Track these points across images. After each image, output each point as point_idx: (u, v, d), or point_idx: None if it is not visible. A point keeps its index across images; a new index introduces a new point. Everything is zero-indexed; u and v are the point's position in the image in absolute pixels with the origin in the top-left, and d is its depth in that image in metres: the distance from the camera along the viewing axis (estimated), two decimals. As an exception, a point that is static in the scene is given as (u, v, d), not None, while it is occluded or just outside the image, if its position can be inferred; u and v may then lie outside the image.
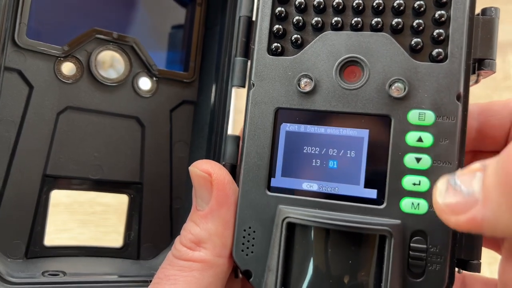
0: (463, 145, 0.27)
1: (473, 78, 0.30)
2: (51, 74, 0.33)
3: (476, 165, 0.23)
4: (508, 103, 0.33)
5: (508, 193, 0.21)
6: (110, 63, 0.35)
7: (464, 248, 0.28)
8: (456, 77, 0.27)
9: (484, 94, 0.33)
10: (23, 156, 0.32)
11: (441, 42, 0.28)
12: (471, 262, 0.28)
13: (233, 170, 0.32)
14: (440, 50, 0.27)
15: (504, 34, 0.29)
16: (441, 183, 0.24)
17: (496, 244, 0.32)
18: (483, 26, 0.28)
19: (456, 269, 0.28)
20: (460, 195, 0.23)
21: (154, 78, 0.37)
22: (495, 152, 0.34)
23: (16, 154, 0.32)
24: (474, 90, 0.28)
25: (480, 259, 0.28)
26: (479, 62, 0.29)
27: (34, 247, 0.33)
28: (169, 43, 0.38)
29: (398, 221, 0.27)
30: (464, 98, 0.27)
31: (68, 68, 0.34)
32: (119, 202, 0.36)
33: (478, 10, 0.29)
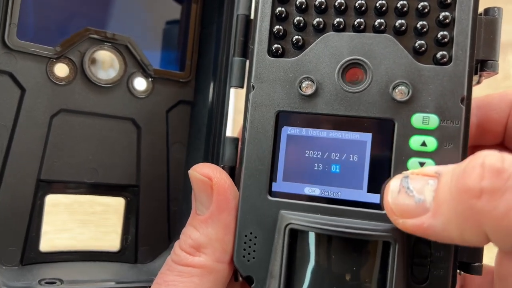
0: (466, 148, 0.27)
1: (475, 79, 0.29)
2: (43, 76, 0.32)
3: (430, 169, 0.24)
4: (505, 96, 0.33)
5: (459, 212, 0.21)
6: (104, 63, 0.34)
7: (466, 251, 0.28)
8: (461, 80, 0.27)
9: (485, 94, 0.33)
10: (16, 161, 0.31)
11: (445, 44, 0.27)
12: (472, 265, 0.28)
13: (232, 173, 0.32)
14: (445, 52, 0.27)
15: (505, 34, 0.29)
16: (394, 184, 0.24)
17: None
18: (485, 26, 0.28)
19: (457, 271, 0.28)
20: (411, 200, 0.23)
21: (150, 78, 0.36)
22: (494, 146, 0.34)
23: (8, 159, 0.31)
24: (474, 90, 0.28)
25: (482, 261, 0.28)
26: (482, 63, 0.29)
27: (29, 254, 0.32)
28: (165, 41, 0.37)
29: None
30: (467, 100, 0.27)
31: (61, 69, 0.33)
32: (119, 202, 0.36)
33: (480, 9, 0.29)
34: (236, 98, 0.35)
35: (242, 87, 0.33)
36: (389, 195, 0.24)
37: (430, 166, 0.25)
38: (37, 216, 0.33)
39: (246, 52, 0.32)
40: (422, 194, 0.23)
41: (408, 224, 0.23)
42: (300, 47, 0.29)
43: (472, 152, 0.34)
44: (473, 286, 0.34)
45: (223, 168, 0.31)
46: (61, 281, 0.30)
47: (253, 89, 0.29)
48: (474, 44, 0.27)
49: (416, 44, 0.27)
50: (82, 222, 0.54)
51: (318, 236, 0.27)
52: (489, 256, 0.32)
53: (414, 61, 0.27)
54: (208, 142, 0.36)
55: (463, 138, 0.27)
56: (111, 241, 0.36)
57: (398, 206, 0.24)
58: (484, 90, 0.33)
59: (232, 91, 0.34)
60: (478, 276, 0.34)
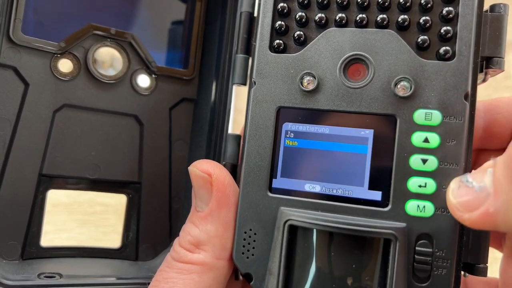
0: (470, 146, 0.27)
1: (480, 76, 0.29)
2: (47, 71, 0.32)
3: (489, 162, 0.23)
4: None
5: None
6: (108, 60, 0.34)
7: (470, 252, 0.27)
8: (464, 76, 0.26)
9: (485, 94, 0.33)
10: (19, 155, 0.32)
11: (448, 39, 0.27)
12: (477, 266, 0.27)
13: (234, 170, 0.31)
14: (448, 48, 0.27)
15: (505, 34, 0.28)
16: (454, 182, 0.24)
17: (498, 241, 0.31)
18: (491, 23, 0.28)
19: (462, 272, 0.27)
20: (472, 191, 0.23)
21: (153, 75, 0.36)
22: (500, 150, 0.33)
23: (11, 153, 0.31)
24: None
25: (487, 263, 0.28)
26: (487, 60, 0.28)
27: (30, 248, 0.32)
28: (169, 39, 0.37)
29: (403, 224, 0.26)
30: (471, 97, 0.27)
31: (64, 65, 0.33)
32: (119, 202, 0.36)
33: (486, 6, 0.28)
34: (239, 96, 0.35)
35: (245, 84, 0.32)
36: (450, 194, 0.24)
37: (490, 160, 0.24)
38: (39, 211, 0.33)
39: (249, 49, 0.32)
40: (481, 182, 0.23)
41: (474, 216, 0.23)
42: (302, 43, 0.29)
43: (478, 156, 0.34)
44: None
45: (224, 165, 0.31)
46: (60, 275, 0.30)
47: (255, 84, 0.29)
48: (478, 40, 0.27)
49: (419, 40, 0.27)
50: (81, 222, 0.54)
51: (318, 233, 0.27)
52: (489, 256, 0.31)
53: (417, 57, 0.27)
54: (211, 140, 0.35)
55: (466, 135, 0.26)
56: (111, 241, 0.36)
57: (461, 200, 0.23)
58: (484, 90, 0.33)
59: (235, 88, 0.34)
60: (480, 286, 0.34)
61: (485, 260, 0.27)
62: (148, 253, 0.36)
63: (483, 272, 0.27)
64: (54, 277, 0.30)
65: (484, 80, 0.30)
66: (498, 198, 0.22)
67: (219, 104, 0.35)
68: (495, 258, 0.29)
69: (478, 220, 0.22)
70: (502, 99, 0.33)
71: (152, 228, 0.36)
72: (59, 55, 0.33)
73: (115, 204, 0.36)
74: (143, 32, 0.35)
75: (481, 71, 0.28)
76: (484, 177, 0.23)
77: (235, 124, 0.34)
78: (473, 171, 0.24)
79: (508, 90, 0.65)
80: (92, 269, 0.33)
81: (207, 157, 0.36)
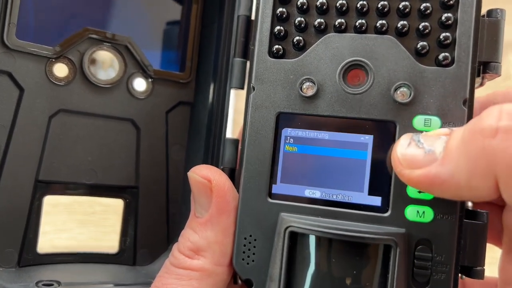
0: (469, 151, 0.27)
1: (477, 81, 0.29)
2: (42, 76, 0.32)
3: (444, 129, 0.24)
4: (509, 94, 0.32)
5: (471, 154, 0.21)
6: (104, 63, 0.34)
7: (467, 255, 0.27)
8: (463, 82, 0.26)
9: (485, 94, 0.33)
10: (15, 161, 0.31)
11: (447, 45, 0.27)
12: (474, 269, 0.28)
13: (232, 175, 0.31)
14: (447, 54, 0.27)
15: (505, 34, 0.28)
16: (404, 138, 0.25)
17: (497, 238, 0.32)
18: (488, 28, 0.28)
19: (459, 275, 0.28)
20: (420, 151, 0.23)
21: (150, 79, 0.35)
22: None
23: (7, 159, 0.31)
24: (475, 92, 0.28)
25: (484, 266, 0.28)
26: (484, 65, 0.28)
27: (27, 255, 0.32)
28: (165, 42, 0.37)
29: (402, 230, 0.26)
30: (469, 102, 0.27)
31: (60, 69, 0.32)
32: (119, 203, 0.35)
33: (483, 11, 0.28)
34: (236, 100, 0.34)
35: (242, 88, 0.32)
36: (398, 147, 0.24)
37: (444, 127, 0.25)
38: (35, 217, 0.32)
39: (246, 53, 0.32)
40: (432, 146, 0.23)
41: (414, 174, 0.23)
42: (301, 48, 0.29)
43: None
44: None
45: (223, 170, 0.30)
46: (59, 283, 0.30)
47: (254, 90, 0.29)
48: (476, 46, 0.27)
49: (418, 46, 0.27)
50: (81, 222, 0.54)
51: (318, 239, 0.27)
52: (489, 256, 0.31)
53: (416, 63, 0.27)
54: (208, 144, 0.35)
55: None
56: (111, 242, 0.36)
57: (406, 157, 0.24)
58: (484, 90, 0.33)
59: (233, 92, 0.34)
60: (478, 286, 0.34)
61: (482, 262, 0.28)
62: (146, 258, 0.35)
63: (480, 275, 0.28)
64: (52, 285, 0.29)
65: (481, 84, 0.30)
66: (445, 165, 0.22)
67: (217, 108, 0.35)
68: (496, 258, 0.29)
69: (416, 179, 0.23)
70: (497, 93, 0.33)
71: (150, 233, 0.36)
72: (54, 60, 0.32)
73: (115, 204, 0.36)
74: (139, 35, 0.35)
75: (478, 75, 0.28)
76: (435, 142, 0.23)
77: (235, 125, 0.34)
78: (425, 133, 0.25)
79: (508, 90, 0.66)
80: (90, 275, 0.32)
81: (204, 161, 0.35)
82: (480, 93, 0.28)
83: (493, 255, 0.32)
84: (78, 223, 0.54)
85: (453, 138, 0.22)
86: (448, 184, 0.22)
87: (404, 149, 0.24)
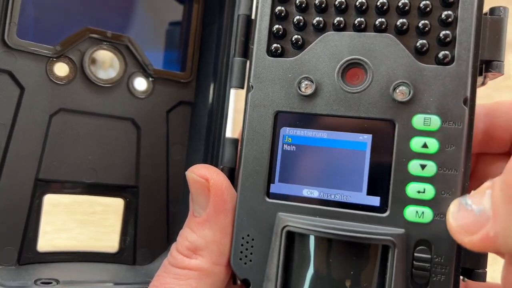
0: (469, 151, 0.26)
1: (479, 80, 0.29)
2: (43, 75, 0.32)
3: (487, 183, 0.23)
4: None
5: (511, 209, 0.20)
6: (104, 63, 0.34)
7: (469, 257, 0.27)
8: (463, 80, 0.26)
9: (485, 94, 0.33)
10: (15, 160, 0.31)
11: (447, 43, 0.27)
12: (476, 271, 0.27)
13: (232, 174, 0.31)
14: (447, 52, 0.26)
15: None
16: (453, 205, 0.24)
17: None
18: (491, 26, 0.27)
19: (461, 277, 0.27)
20: (472, 214, 0.23)
21: (150, 79, 0.35)
22: (500, 154, 0.33)
23: (7, 158, 0.31)
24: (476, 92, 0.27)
25: (486, 268, 0.27)
26: (487, 64, 0.28)
27: (26, 253, 0.32)
28: (166, 42, 0.37)
29: (401, 230, 0.26)
30: (471, 101, 0.26)
31: (60, 68, 0.32)
32: (119, 202, 0.35)
33: (485, 9, 0.28)
34: (236, 99, 0.34)
35: (242, 87, 0.32)
36: (451, 217, 0.24)
37: (487, 182, 0.24)
38: (35, 216, 0.32)
39: (247, 52, 0.32)
40: (481, 205, 0.22)
41: (474, 240, 0.22)
42: (299, 47, 0.29)
43: (477, 160, 0.34)
44: None
45: (222, 169, 0.30)
46: (57, 281, 0.30)
47: (252, 88, 0.29)
48: (478, 44, 0.27)
49: (418, 44, 0.27)
50: (81, 222, 0.54)
51: (316, 239, 0.27)
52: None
53: (415, 61, 0.27)
54: (208, 143, 0.35)
55: (466, 140, 0.26)
56: (111, 241, 0.36)
57: (460, 224, 0.23)
58: (484, 90, 0.32)
59: (233, 92, 0.34)
60: None
61: (484, 265, 0.27)
62: (146, 257, 0.35)
63: (482, 277, 0.27)
64: (51, 283, 0.29)
65: (483, 84, 0.30)
66: (497, 222, 0.21)
67: (217, 107, 0.35)
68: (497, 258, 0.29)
69: (479, 244, 0.22)
70: (502, 102, 0.32)
71: (150, 232, 0.36)
72: (55, 59, 0.32)
73: (115, 204, 0.36)
74: (139, 34, 0.35)
75: (481, 74, 0.28)
76: (483, 199, 0.22)
77: (235, 124, 0.34)
78: (472, 192, 0.24)
79: (508, 90, 0.65)
80: (89, 274, 0.32)
81: (204, 161, 0.35)
82: (479, 90, 0.27)
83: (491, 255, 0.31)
84: (78, 223, 0.54)
85: (495, 191, 0.22)
86: (508, 240, 0.21)
87: (456, 217, 0.23)
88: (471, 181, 0.27)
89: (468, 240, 0.23)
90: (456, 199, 0.24)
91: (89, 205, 0.56)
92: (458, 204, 0.24)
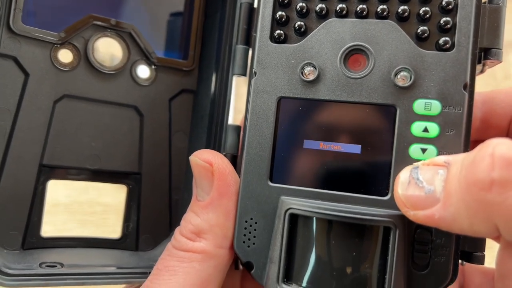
0: (469, 135, 0.27)
1: (478, 68, 0.29)
2: (47, 61, 0.32)
3: (440, 159, 0.23)
4: (510, 93, 0.32)
5: (469, 204, 0.21)
6: (108, 50, 0.34)
7: (468, 240, 0.28)
8: (463, 66, 0.27)
9: (483, 90, 0.33)
10: (19, 145, 0.31)
11: (448, 30, 0.27)
12: (474, 254, 0.28)
13: (234, 161, 0.32)
14: (447, 38, 0.27)
15: (505, 33, 0.28)
16: (404, 175, 0.24)
17: None
18: (490, 14, 0.28)
19: (460, 261, 0.28)
20: (421, 191, 0.23)
21: (153, 66, 0.36)
22: None
23: (11, 143, 0.31)
24: (477, 88, 0.28)
25: (484, 251, 0.28)
26: (485, 52, 0.28)
27: (31, 238, 0.32)
28: (168, 30, 0.37)
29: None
30: (470, 87, 0.27)
31: (64, 55, 0.33)
32: (119, 202, 0.36)
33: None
34: (239, 87, 0.35)
35: (245, 75, 0.33)
36: (399, 187, 0.24)
37: (440, 156, 0.24)
38: (39, 201, 0.33)
39: (249, 40, 0.32)
40: (432, 185, 0.23)
41: (419, 215, 0.23)
42: (302, 33, 0.29)
43: (475, 147, 0.34)
44: (472, 286, 0.34)
45: (224, 156, 0.31)
46: (62, 264, 0.30)
47: (255, 75, 0.29)
48: (477, 31, 0.27)
49: (419, 30, 0.27)
50: (81, 222, 0.54)
51: (318, 221, 0.27)
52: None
53: (416, 47, 0.27)
54: (211, 131, 0.36)
55: (465, 125, 0.26)
56: (114, 227, 0.36)
57: (409, 198, 0.24)
58: (484, 89, 0.33)
59: (235, 79, 0.34)
60: (477, 277, 0.34)
61: (482, 248, 0.28)
62: (148, 244, 0.36)
63: (480, 260, 0.28)
64: (56, 266, 0.30)
65: (482, 71, 0.30)
66: (446, 209, 0.22)
67: (219, 95, 0.35)
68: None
69: (421, 220, 0.23)
70: (500, 90, 0.33)
71: (152, 219, 0.36)
72: (59, 46, 0.33)
73: (115, 204, 0.36)
74: (143, 23, 0.35)
75: (479, 62, 0.29)
76: (435, 179, 0.23)
77: (238, 112, 0.34)
78: (423, 165, 0.24)
79: (509, 90, 0.66)
80: (93, 259, 0.33)
81: (207, 148, 0.36)
82: (480, 90, 0.28)
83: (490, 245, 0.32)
84: (78, 223, 0.55)
85: (451, 180, 0.22)
86: (452, 227, 0.22)
87: (405, 189, 0.24)
88: None
89: (412, 213, 0.24)
90: (407, 168, 0.25)
91: (89, 205, 0.57)
92: (408, 175, 0.24)
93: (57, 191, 0.58)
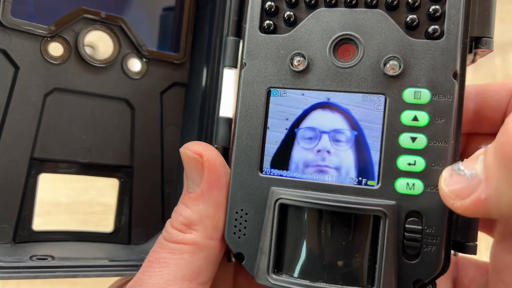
0: (460, 124, 0.27)
1: (469, 57, 0.29)
2: (37, 54, 0.32)
3: (480, 150, 0.23)
4: (506, 84, 0.32)
5: (507, 166, 0.21)
6: (99, 43, 0.34)
7: (460, 230, 0.27)
8: (453, 54, 0.26)
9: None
10: (10, 139, 0.31)
11: (437, 18, 0.27)
12: (467, 244, 0.28)
13: (226, 153, 0.32)
14: (436, 27, 0.27)
15: (504, 33, 0.28)
16: (446, 171, 0.24)
17: (489, 227, 0.31)
18: (480, 3, 0.28)
19: (452, 251, 0.28)
20: (464, 178, 0.23)
21: (144, 59, 0.36)
22: (491, 134, 0.34)
23: (1, 137, 0.31)
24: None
25: (476, 241, 0.28)
26: (476, 40, 0.28)
27: (22, 232, 0.32)
28: (159, 23, 0.37)
29: (392, 202, 0.26)
30: (461, 76, 0.27)
31: (55, 48, 0.33)
32: (114, 184, 0.36)
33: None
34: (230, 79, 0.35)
35: (236, 67, 0.33)
36: (442, 183, 0.24)
37: (481, 148, 0.24)
38: (30, 194, 0.33)
39: (240, 31, 0.32)
40: (473, 169, 0.23)
41: (466, 204, 0.23)
42: (292, 23, 0.29)
43: (468, 140, 0.34)
44: (465, 279, 0.34)
45: (216, 148, 0.31)
46: (53, 257, 0.30)
47: (245, 66, 0.29)
48: (467, 19, 0.27)
49: (408, 19, 0.27)
50: (81, 222, 0.54)
51: (308, 211, 0.27)
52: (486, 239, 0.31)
53: (405, 36, 0.27)
54: (202, 124, 0.35)
55: (456, 113, 0.26)
56: (106, 221, 0.36)
57: (452, 188, 0.23)
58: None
59: (226, 71, 0.34)
60: (471, 270, 0.34)
61: (474, 238, 0.28)
62: (141, 237, 0.36)
63: (473, 250, 0.28)
64: (46, 259, 0.30)
65: (473, 61, 0.30)
66: (489, 185, 0.22)
67: (210, 88, 0.35)
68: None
69: (470, 208, 0.23)
70: (493, 83, 0.33)
71: (145, 212, 0.36)
72: (49, 39, 0.32)
73: (115, 203, 0.36)
74: (133, 15, 0.35)
75: (470, 51, 0.28)
76: (475, 164, 0.23)
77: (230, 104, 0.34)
78: (465, 159, 0.24)
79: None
80: (84, 252, 0.33)
81: (198, 140, 0.36)
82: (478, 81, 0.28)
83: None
84: (78, 223, 0.54)
85: (489, 155, 0.22)
86: (499, 204, 0.22)
87: (448, 182, 0.24)
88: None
89: (459, 204, 0.23)
90: (448, 166, 0.25)
91: (89, 205, 0.56)
92: (450, 170, 0.24)
93: (57, 190, 0.58)
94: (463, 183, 0.23)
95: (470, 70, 0.30)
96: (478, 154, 0.23)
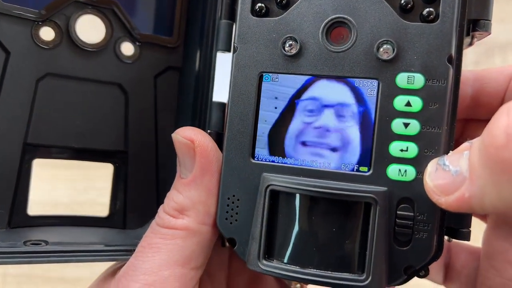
0: (455, 110, 0.26)
1: (467, 41, 0.28)
2: (28, 39, 0.32)
3: (465, 144, 0.23)
4: (504, 70, 0.32)
5: (491, 168, 0.21)
6: (90, 27, 0.34)
7: (453, 216, 0.27)
8: (448, 38, 0.26)
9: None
10: (2, 124, 0.31)
11: (432, 1, 0.26)
12: (461, 231, 0.27)
13: (219, 138, 0.31)
14: (431, 9, 0.26)
15: (505, 33, 0.27)
16: (431, 165, 0.24)
17: None
18: None
19: (446, 237, 0.27)
20: (449, 174, 0.23)
21: (137, 43, 0.35)
22: (488, 120, 0.33)
23: (-6, 122, 0.31)
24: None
25: (470, 227, 0.28)
26: (474, 23, 0.27)
27: (17, 217, 0.32)
28: (152, 6, 0.36)
29: (384, 188, 0.26)
30: (456, 61, 0.26)
31: (46, 33, 0.32)
32: (109, 168, 0.36)
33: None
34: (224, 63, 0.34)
35: (229, 50, 0.32)
36: (427, 177, 0.24)
37: (465, 142, 0.24)
38: (25, 180, 0.33)
39: (233, 15, 0.31)
40: (458, 166, 0.22)
41: (450, 200, 0.23)
42: (284, 6, 0.28)
43: (465, 126, 0.34)
44: (457, 264, 0.34)
45: (209, 133, 0.31)
46: (46, 242, 0.30)
47: (237, 50, 0.29)
48: (464, 2, 0.26)
49: (402, 1, 0.27)
50: None
51: (299, 198, 0.27)
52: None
53: (400, 19, 0.26)
54: (196, 109, 0.35)
55: (450, 99, 0.26)
56: (101, 205, 0.36)
57: (437, 184, 0.23)
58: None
59: (219, 55, 0.34)
60: (463, 255, 0.34)
61: (468, 224, 0.27)
62: (136, 222, 0.36)
63: (466, 236, 0.27)
64: (40, 244, 0.30)
65: (470, 44, 0.30)
66: (473, 184, 0.22)
67: (204, 72, 0.35)
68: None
69: (454, 204, 0.23)
70: (492, 69, 0.32)
71: (140, 197, 0.36)
72: (40, 23, 0.32)
73: (110, 188, 0.36)
74: (126, -1, 0.35)
75: (468, 34, 0.28)
76: (460, 160, 0.23)
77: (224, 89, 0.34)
78: (450, 153, 0.24)
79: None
80: (79, 237, 0.33)
81: (192, 125, 0.35)
82: None
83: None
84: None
85: (473, 152, 0.22)
86: (483, 202, 0.22)
87: (433, 177, 0.24)
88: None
89: (444, 200, 0.23)
90: (434, 159, 0.25)
91: (89, 205, 0.57)
92: (435, 164, 0.24)
93: (57, 191, 0.58)
94: (448, 179, 0.23)
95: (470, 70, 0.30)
96: (463, 148, 0.23)
